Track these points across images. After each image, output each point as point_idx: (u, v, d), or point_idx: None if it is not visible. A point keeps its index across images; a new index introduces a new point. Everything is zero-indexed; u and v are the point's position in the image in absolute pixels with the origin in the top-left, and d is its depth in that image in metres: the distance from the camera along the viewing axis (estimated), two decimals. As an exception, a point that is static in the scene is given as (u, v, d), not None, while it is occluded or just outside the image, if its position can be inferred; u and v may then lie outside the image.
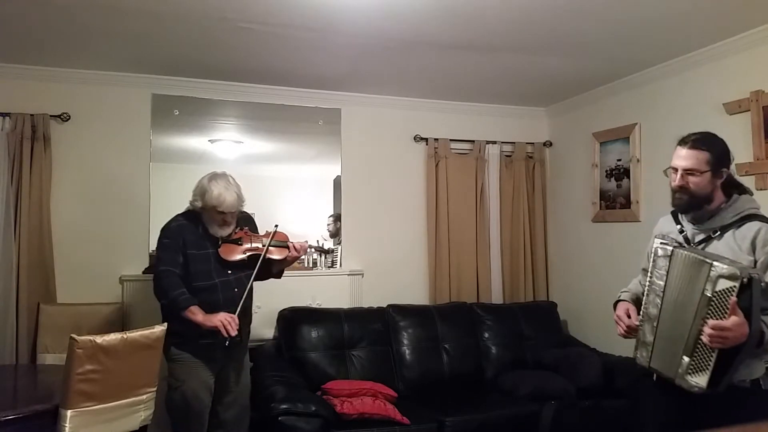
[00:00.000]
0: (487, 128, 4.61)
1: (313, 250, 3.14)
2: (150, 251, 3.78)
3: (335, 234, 4.31)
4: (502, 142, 4.60)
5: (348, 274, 4.21)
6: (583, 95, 4.30)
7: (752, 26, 2.98)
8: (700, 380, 1.81)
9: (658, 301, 1.95)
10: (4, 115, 3.48)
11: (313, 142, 4.45)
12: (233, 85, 3.96)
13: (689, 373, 1.83)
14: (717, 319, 1.77)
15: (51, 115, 3.59)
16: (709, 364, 1.79)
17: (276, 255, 2.83)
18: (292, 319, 3.73)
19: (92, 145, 3.73)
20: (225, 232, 2.76)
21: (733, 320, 1.71)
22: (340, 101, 4.24)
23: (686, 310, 1.86)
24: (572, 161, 4.51)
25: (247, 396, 2.95)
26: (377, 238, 4.31)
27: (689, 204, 1.99)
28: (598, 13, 2.78)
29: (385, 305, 4.03)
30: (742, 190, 2.01)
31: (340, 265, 4.23)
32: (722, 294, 1.76)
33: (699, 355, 1.81)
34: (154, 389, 2.60)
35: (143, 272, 3.73)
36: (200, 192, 2.70)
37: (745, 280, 1.73)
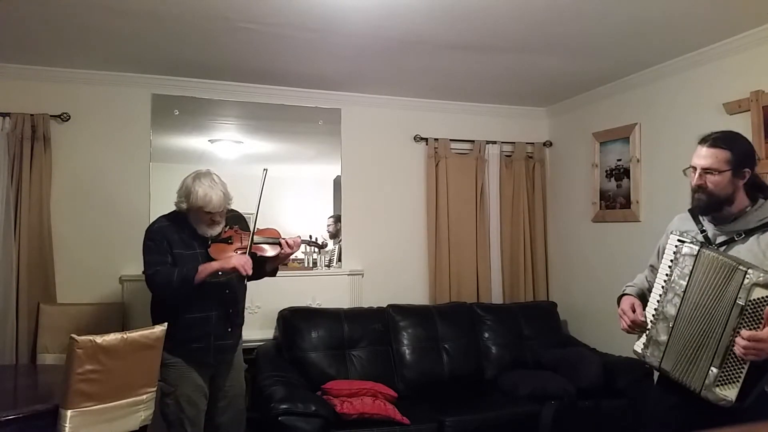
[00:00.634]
0: (487, 128, 4.62)
1: (305, 245, 3.01)
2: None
3: (335, 235, 4.31)
4: (502, 142, 4.60)
5: (348, 274, 4.21)
6: (583, 95, 4.30)
7: (752, 26, 2.98)
8: (729, 393, 1.74)
9: (677, 301, 1.89)
10: (4, 115, 3.48)
11: (313, 142, 4.45)
12: (233, 85, 3.97)
13: (718, 385, 1.76)
14: (750, 329, 1.71)
15: (51, 115, 3.60)
16: (739, 377, 1.73)
17: (268, 252, 2.75)
18: (292, 319, 3.73)
19: (92, 145, 3.73)
20: (214, 231, 2.67)
21: None
22: (340, 101, 4.24)
23: (713, 317, 1.80)
24: (572, 161, 4.51)
25: (243, 399, 2.90)
26: (377, 238, 4.31)
27: (708, 205, 1.92)
28: (598, 13, 2.78)
29: (385, 305, 4.03)
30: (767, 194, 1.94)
31: (340, 262, 4.23)
32: (757, 303, 1.70)
33: (729, 367, 1.75)
34: (154, 389, 2.60)
35: (143, 272, 3.73)
36: (185, 193, 2.60)
37: None
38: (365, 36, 3.08)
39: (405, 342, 3.83)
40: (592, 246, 4.28)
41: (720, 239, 1.93)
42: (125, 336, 2.42)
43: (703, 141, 1.95)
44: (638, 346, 2.03)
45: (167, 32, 3.04)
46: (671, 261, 1.94)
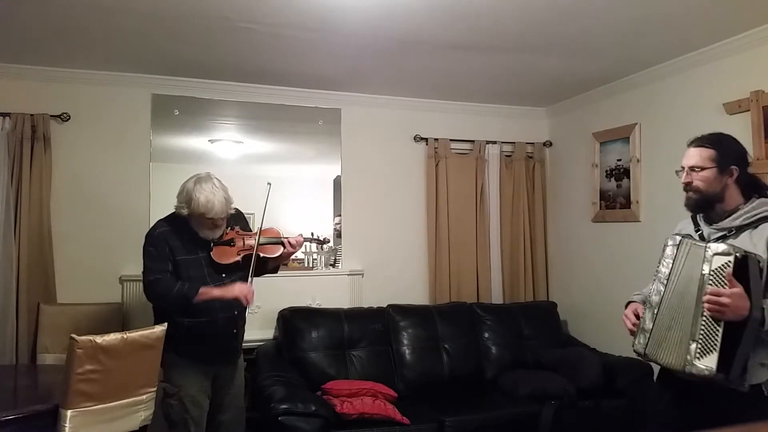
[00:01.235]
0: (487, 128, 4.62)
1: (308, 243, 3.04)
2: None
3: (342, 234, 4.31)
4: (502, 142, 4.60)
5: (348, 274, 4.21)
6: (583, 95, 4.30)
7: (752, 26, 2.98)
8: (709, 362, 1.77)
9: (661, 288, 1.97)
10: (4, 115, 3.48)
11: (313, 142, 4.45)
12: (233, 85, 3.97)
13: (697, 358, 1.80)
14: None
15: (51, 115, 3.60)
16: (715, 344, 1.77)
17: (270, 253, 2.74)
18: (292, 319, 3.73)
19: (92, 145, 3.73)
20: (216, 234, 2.66)
21: (732, 290, 1.74)
22: (340, 101, 4.24)
23: (688, 296, 1.88)
24: (572, 161, 4.51)
25: (243, 396, 2.91)
26: (377, 238, 4.31)
27: (698, 202, 2.00)
28: (598, 13, 2.78)
29: (385, 305, 4.03)
30: (764, 192, 1.99)
31: (340, 264, 4.23)
32: (719, 270, 1.80)
33: (704, 335, 1.80)
34: (154, 389, 2.60)
35: (142, 276, 3.73)
36: (186, 199, 2.56)
37: (738, 255, 1.77)
38: (365, 36, 3.08)
39: (405, 342, 3.83)
40: (592, 246, 4.28)
41: (714, 236, 1.98)
42: (125, 336, 2.42)
43: (691, 143, 2.05)
44: (633, 342, 2.09)
45: (167, 32, 3.04)
46: (661, 255, 2.02)
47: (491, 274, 4.51)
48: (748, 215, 1.92)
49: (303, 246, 3.15)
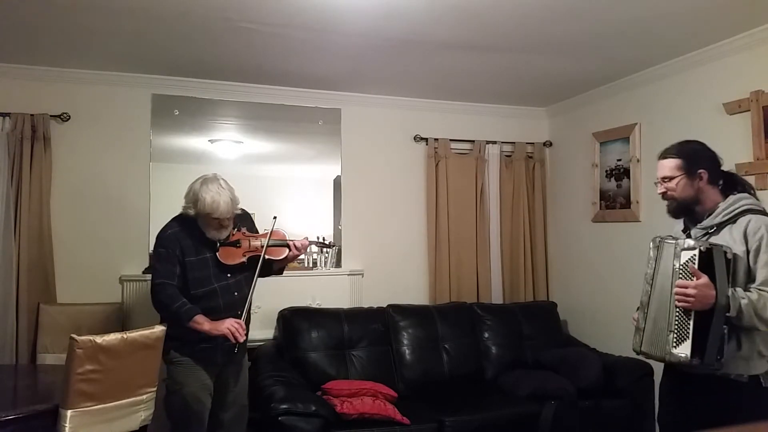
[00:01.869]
0: (487, 128, 4.62)
1: (314, 246, 3.08)
2: (150, 251, 3.78)
3: None
4: (502, 142, 4.60)
5: (348, 274, 4.21)
6: (583, 95, 4.30)
7: (752, 26, 2.98)
8: (683, 349, 1.92)
9: (648, 288, 2.10)
10: (4, 115, 3.48)
11: (313, 142, 4.45)
12: (233, 85, 3.97)
13: (674, 346, 1.95)
14: None
15: (51, 115, 3.60)
16: (687, 332, 1.92)
17: (276, 255, 2.78)
18: (292, 319, 3.73)
19: (92, 145, 3.73)
20: (222, 235, 2.69)
21: (696, 281, 1.88)
22: (340, 101, 4.24)
23: (664, 289, 2.02)
24: (572, 161, 4.51)
25: (246, 395, 2.93)
26: (377, 238, 4.31)
27: (676, 208, 2.14)
28: (598, 13, 2.78)
29: (385, 305, 4.02)
30: (743, 188, 2.10)
31: (341, 265, 4.23)
32: (686, 264, 1.94)
33: (678, 326, 1.95)
34: (154, 389, 2.60)
35: (143, 272, 3.74)
36: (192, 199, 2.61)
37: (702, 248, 1.91)
38: (365, 36, 3.08)
39: (405, 342, 3.83)
40: (592, 246, 4.28)
41: (698, 234, 2.11)
42: (125, 336, 2.42)
43: (660, 155, 2.19)
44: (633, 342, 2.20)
45: (167, 32, 3.04)
46: (647, 259, 2.14)
47: (491, 274, 4.51)
48: (725, 212, 2.04)
49: (308, 249, 3.18)
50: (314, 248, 4.17)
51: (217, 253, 2.68)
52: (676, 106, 3.56)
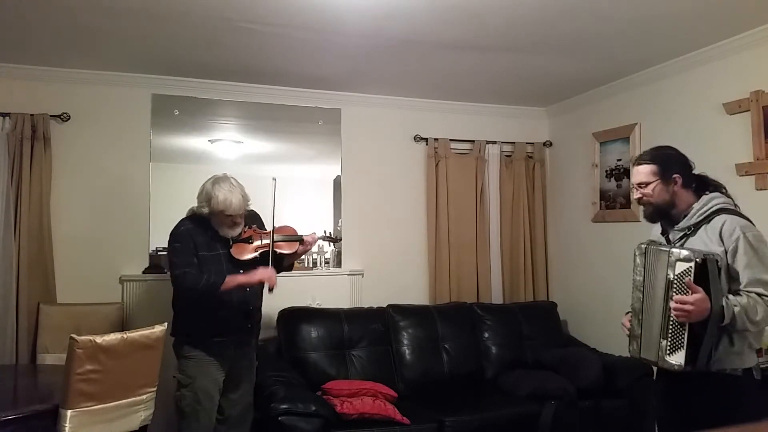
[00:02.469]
0: (487, 128, 4.61)
1: (321, 241, 3.22)
2: (150, 251, 3.79)
3: None
4: (502, 142, 4.60)
5: (348, 274, 4.21)
6: (583, 95, 4.30)
7: (752, 26, 2.98)
8: (677, 358, 1.96)
9: (640, 295, 2.13)
10: (4, 115, 3.48)
11: (313, 142, 4.45)
12: (233, 85, 3.96)
13: (668, 354, 1.98)
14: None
15: (51, 115, 3.59)
16: (682, 342, 1.96)
17: (286, 249, 2.87)
18: (292, 319, 3.73)
19: (92, 145, 3.73)
20: (235, 232, 2.79)
21: (695, 296, 1.90)
22: (340, 101, 4.24)
23: (657, 297, 2.04)
24: (572, 161, 4.51)
25: (252, 393, 2.96)
26: (377, 238, 4.31)
27: (653, 213, 2.19)
28: (598, 12, 2.79)
29: (385, 305, 4.02)
30: (714, 188, 2.16)
31: (341, 265, 4.24)
32: (681, 275, 1.95)
33: (672, 335, 1.98)
34: (154, 389, 2.60)
35: (143, 272, 3.74)
36: (206, 198, 2.71)
37: (698, 260, 1.92)
38: (365, 36, 3.08)
39: (405, 342, 3.83)
40: (592, 246, 4.28)
41: (676, 236, 2.16)
42: (125, 336, 2.42)
43: (634, 161, 2.25)
44: (629, 347, 2.23)
45: (167, 32, 3.04)
46: (633, 264, 2.17)
47: (491, 274, 4.51)
48: (700, 213, 2.09)
49: (317, 243, 3.30)
50: (315, 248, 4.17)
51: (230, 250, 2.77)
52: (676, 106, 3.56)
